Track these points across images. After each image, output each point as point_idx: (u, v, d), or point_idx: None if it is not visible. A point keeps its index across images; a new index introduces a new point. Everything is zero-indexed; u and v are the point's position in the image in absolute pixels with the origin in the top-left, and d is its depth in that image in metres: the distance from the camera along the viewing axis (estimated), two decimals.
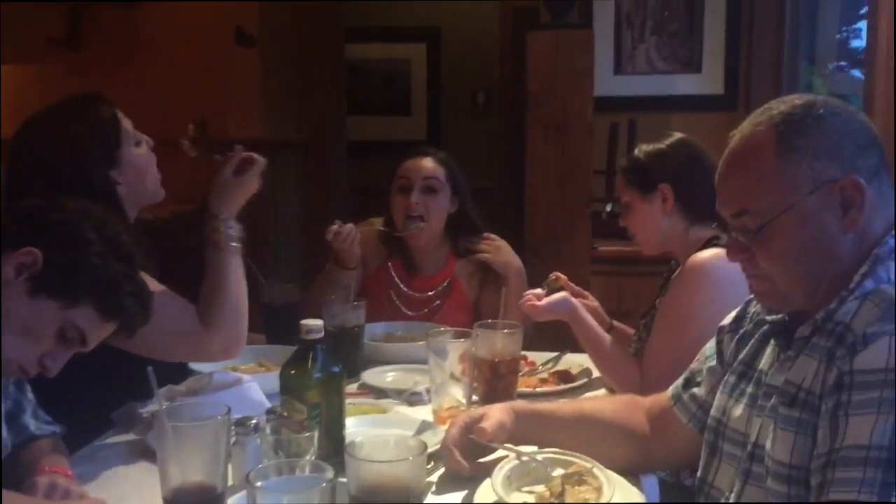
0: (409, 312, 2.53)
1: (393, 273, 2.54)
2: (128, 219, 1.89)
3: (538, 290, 2.03)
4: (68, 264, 1.36)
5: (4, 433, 1.45)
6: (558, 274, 2.14)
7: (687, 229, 2.00)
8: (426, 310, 2.53)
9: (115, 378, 1.73)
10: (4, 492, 1.21)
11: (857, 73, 3.85)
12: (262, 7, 4.53)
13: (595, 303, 2.24)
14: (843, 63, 4.13)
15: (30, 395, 1.55)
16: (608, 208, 3.82)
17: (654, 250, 2.09)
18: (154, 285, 1.64)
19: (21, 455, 1.47)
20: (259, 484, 1.06)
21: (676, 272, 2.04)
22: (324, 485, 1.05)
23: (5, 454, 1.45)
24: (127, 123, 1.91)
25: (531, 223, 3.27)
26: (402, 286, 2.55)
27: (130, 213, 1.93)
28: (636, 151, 2.07)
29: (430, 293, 2.55)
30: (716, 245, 1.87)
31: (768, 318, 1.30)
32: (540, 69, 3.18)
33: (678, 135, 2.07)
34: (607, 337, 2.00)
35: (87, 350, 1.41)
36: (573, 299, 2.01)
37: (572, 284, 2.16)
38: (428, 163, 2.48)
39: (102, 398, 1.74)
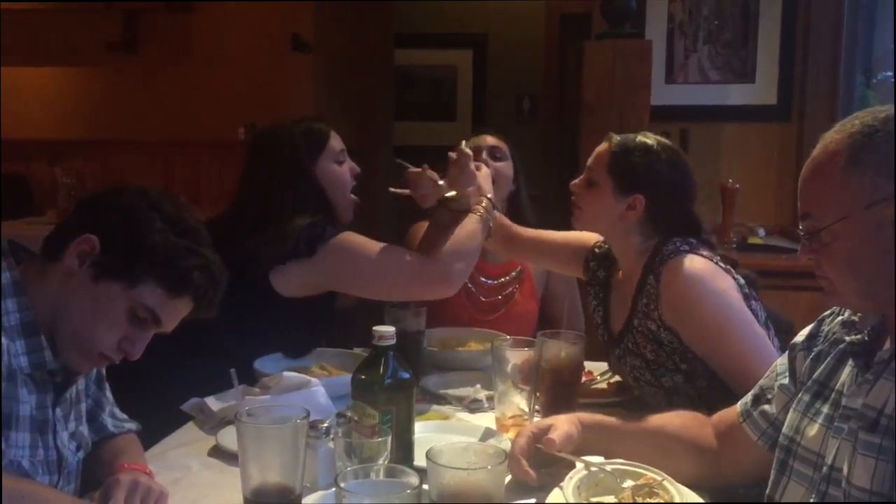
0: (483, 300, 2.57)
1: None
2: (331, 206, 2.12)
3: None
4: (125, 244, 1.36)
5: (86, 432, 1.49)
6: None
7: (640, 241, 1.86)
8: (500, 296, 2.58)
9: (189, 376, 1.78)
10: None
11: None
12: (317, 13, 4.58)
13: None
14: (889, 73, 4.05)
15: (108, 395, 1.58)
16: None
17: (587, 231, 2.04)
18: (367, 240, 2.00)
19: (100, 453, 1.51)
20: (343, 485, 1.08)
21: (642, 288, 1.82)
22: (409, 491, 1.07)
23: (86, 452, 1.49)
24: (336, 143, 2.15)
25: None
26: (475, 274, 2.52)
27: None
28: (636, 139, 1.85)
29: (503, 279, 2.60)
30: (677, 254, 1.75)
31: (847, 337, 1.29)
32: (596, 79, 3.18)
33: (672, 144, 1.88)
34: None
35: (168, 330, 1.41)
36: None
37: None
38: (491, 138, 2.60)
39: (175, 396, 1.78)
